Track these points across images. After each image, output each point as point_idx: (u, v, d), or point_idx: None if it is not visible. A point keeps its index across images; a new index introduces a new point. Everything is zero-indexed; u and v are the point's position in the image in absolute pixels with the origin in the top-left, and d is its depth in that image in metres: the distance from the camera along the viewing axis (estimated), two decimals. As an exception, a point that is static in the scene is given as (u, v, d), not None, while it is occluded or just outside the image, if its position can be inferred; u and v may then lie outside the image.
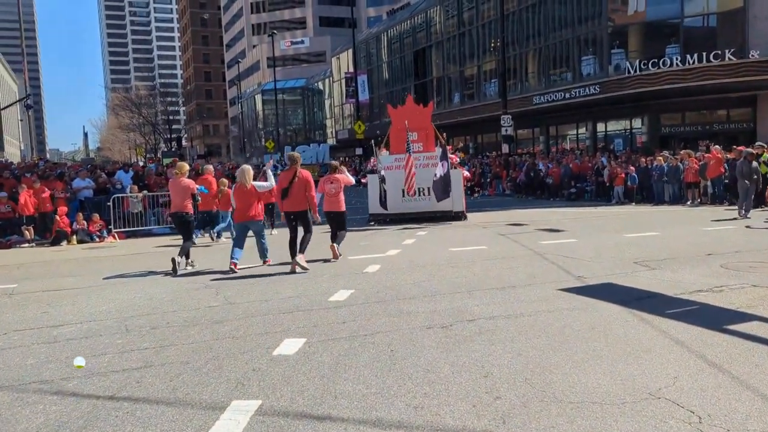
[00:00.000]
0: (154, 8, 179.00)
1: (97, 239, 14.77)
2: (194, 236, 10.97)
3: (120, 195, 15.72)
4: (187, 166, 10.66)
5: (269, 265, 9.73)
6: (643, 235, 11.68)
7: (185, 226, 9.88)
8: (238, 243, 9.55)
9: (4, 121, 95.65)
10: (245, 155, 65.48)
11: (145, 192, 16.16)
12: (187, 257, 9.71)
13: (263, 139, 65.80)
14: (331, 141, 65.05)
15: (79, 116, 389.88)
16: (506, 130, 30.04)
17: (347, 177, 10.72)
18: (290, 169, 9.42)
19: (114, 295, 7.95)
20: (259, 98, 79.02)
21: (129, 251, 12.86)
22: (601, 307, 6.25)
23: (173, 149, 53.73)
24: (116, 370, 4.86)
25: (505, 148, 30.89)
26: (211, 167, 14.83)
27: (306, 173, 9.50)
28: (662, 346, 4.92)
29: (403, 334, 5.50)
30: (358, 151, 44.45)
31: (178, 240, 14.47)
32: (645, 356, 4.68)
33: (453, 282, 7.80)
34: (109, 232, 15.04)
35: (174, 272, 9.20)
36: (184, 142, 71.74)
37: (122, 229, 15.15)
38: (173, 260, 9.23)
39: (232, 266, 9.15)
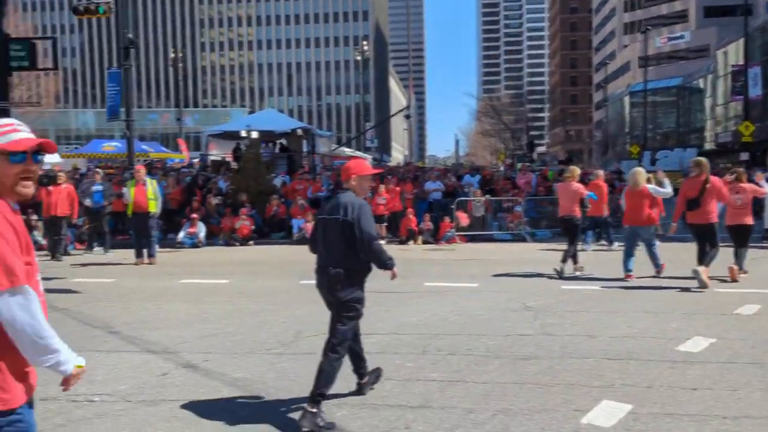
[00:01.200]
0: (527, 18, 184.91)
1: (443, 242, 14.95)
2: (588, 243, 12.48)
3: (463, 198, 15.72)
4: (578, 170, 10.57)
5: (662, 271, 9.02)
6: None
7: (572, 230, 9.75)
8: (629, 251, 9.00)
9: (393, 131, 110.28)
10: (605, 160, 62.18)
11: (487, 196, 15.85)
12: (575, 261, 9.55)
13: (627, 144, 61.39)
14: (709, 145, 57.13)
15: (454, 124, 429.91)
16: None
17: (758, 187, 9.74)
18: (697, 176, 8.39)
19: (429, 306, 7.49)
20: (626, 100, 74.23)
21: (463, 256, 12.57)
22: None
23: (526, 154, 53.99)
24: (391, 404, 4.17)
25: None
26: (601, 172, 14.35)
27: (718, 181, 8.49)
28: None
29: (790, 430, 3.58)
30: (744, 156, 37.65)
31: (514, 248, 13.88)
32: None
33: None
34: (452, 235, 15.10)
35: (559, 275, 9.19)
36: (540, 148, 71.88)
37: (463, 233, 15.08)
38: (555, 270, 9.27)
39: (627, 277, 8.82)
